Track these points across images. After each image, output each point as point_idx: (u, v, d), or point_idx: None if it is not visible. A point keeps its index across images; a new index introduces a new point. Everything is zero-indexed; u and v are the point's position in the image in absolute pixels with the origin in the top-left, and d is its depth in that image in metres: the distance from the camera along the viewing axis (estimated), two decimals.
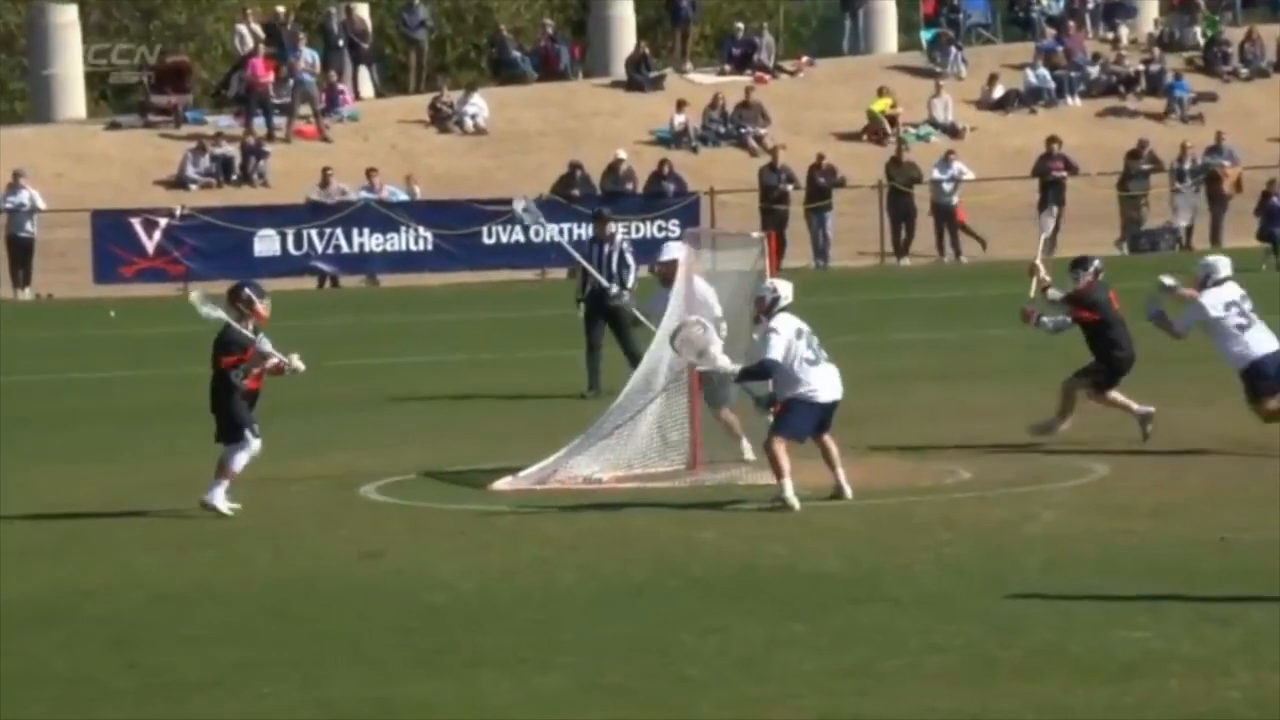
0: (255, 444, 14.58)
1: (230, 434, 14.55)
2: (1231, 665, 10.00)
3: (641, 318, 17.07)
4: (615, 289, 16.83)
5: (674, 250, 16.80)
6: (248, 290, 14.81)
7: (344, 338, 28.81)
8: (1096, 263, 17.76)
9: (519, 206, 17.85)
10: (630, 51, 45.19)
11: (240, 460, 14.55)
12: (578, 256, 20.42)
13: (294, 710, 9.68)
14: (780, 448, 14.39)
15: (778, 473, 14.37)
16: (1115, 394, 17.13)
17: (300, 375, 14.95)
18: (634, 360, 19.35)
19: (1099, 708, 9.38)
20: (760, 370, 14.69)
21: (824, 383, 14.70)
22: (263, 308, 14.74)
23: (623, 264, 20.86)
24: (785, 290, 14.90)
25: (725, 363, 15.05)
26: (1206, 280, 16.87)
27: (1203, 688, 9.62)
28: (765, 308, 14.83)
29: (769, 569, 12.65)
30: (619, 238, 21.55)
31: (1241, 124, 42.66)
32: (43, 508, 15.36)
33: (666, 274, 16.58)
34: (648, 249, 37.41)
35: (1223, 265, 17.16)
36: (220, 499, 14.55)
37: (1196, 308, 16.83)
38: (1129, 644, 10.48)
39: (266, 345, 14.59)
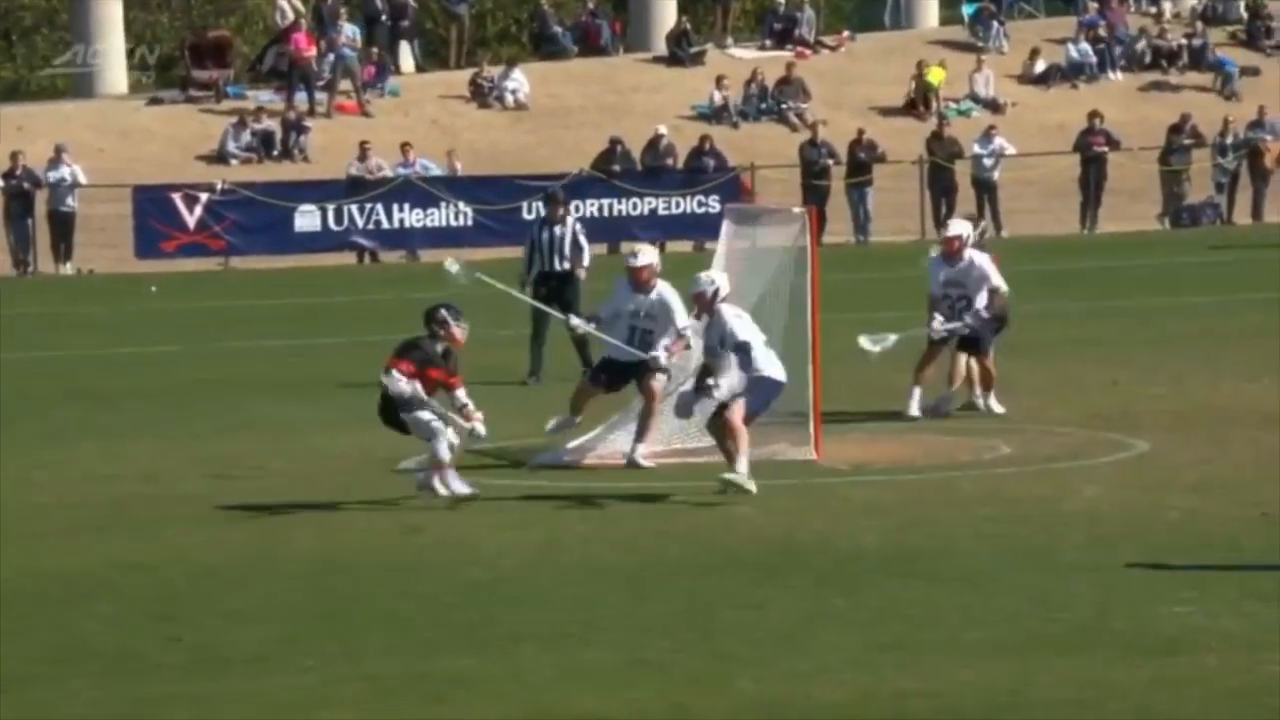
0: (449, 431, 13.73)
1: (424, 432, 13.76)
2: (1273, 640, 9.99)
3: (599, 335, 15.76)
4: (574, 320, 15.58)
5: (649, 255, 15.99)
6: (444, 311, 13.89)
7: (385, 313, 28.84)
8: None
9: (452, 269, 15.33)
10: (671, 26, 45.11)
11: (442, 448, 13.76)
12: (541, 306, 18.96)
13: (337, 684, 9.73)
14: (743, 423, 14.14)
15: (740, 451, 14.01)
16: None
17: (478, 440, 14.06)
18: (582, 349, 19.29)
19: (1140, 683, 9.39)
20: (744, 357, 14.22)
21: (775, 364, 14.40)
22: (459, 331, 13.84)
23: (575, 246, 20.47)
24: (724, 281, 14.65)
25: (733, 382, 14.31)
26: None
27: (1244, 663, 9.62)
28: (707, 302, 14.42)
29: (807, 545, 12.67)
30: (571, 219, 21.14)
31: None
32: (85, 483, 15.44)
33: (643, 279, 15.61)
34: (688, 225, 37.67)
35: None
36: (455, 483, 13.78)
37: None
38: (1170, 619, 10.48)
39: (462, 394, 13.75)
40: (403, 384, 13.77)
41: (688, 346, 15.34)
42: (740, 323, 14.36)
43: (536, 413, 16.93)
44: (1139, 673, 9.54)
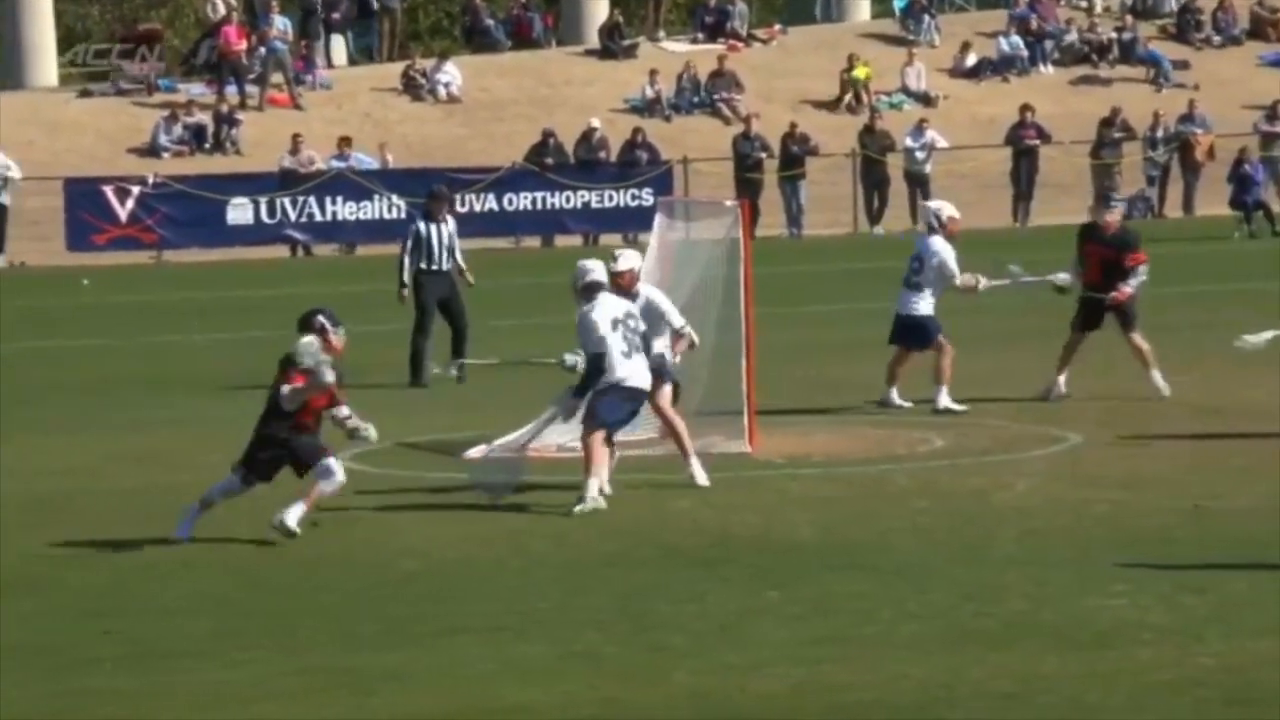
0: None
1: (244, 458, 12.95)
2: (1205, 633, 10.03)
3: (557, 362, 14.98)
4: (569, 359, 14.45)
5: (631, 259, 14.88)
6: (321, 317, 13.27)
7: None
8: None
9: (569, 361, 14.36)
10: (603, 20, 45.11)
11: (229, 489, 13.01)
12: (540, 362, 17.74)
13: (269, 678, 9.68)
14: (595, 440, 13.66)
15: (587, 468, 13.54)
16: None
17: (369, 444, 13.59)
18: (459, 343, 19.06)
19: (1072, 676, 9.41)
20: (593, 366, 13.70)
21: (634, 371, 13.82)
22: (336, 338, 13.19)
23: (454, 247, 20.09)
24: (599, 270, 14.03)
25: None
26: None
27: (1175, 655, 9.66)
28: (579, 290, 13.86)
29: (743, 538, 12.67)
30: (451, 219, 20.50)
31: (1213, 92, 42.71)
32: (10, 479, 15.32)
33: (624, 284, 14.45)
34: (622, 218, 37.68)
35: None
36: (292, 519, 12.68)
37: None
38: (1102, 612, 10.51)
39: (329, 376, 12.91)
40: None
41: (692, 345, 14.93)
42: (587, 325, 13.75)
43: (436, 409, 16.85)
44: (1071, 665, 9.57)
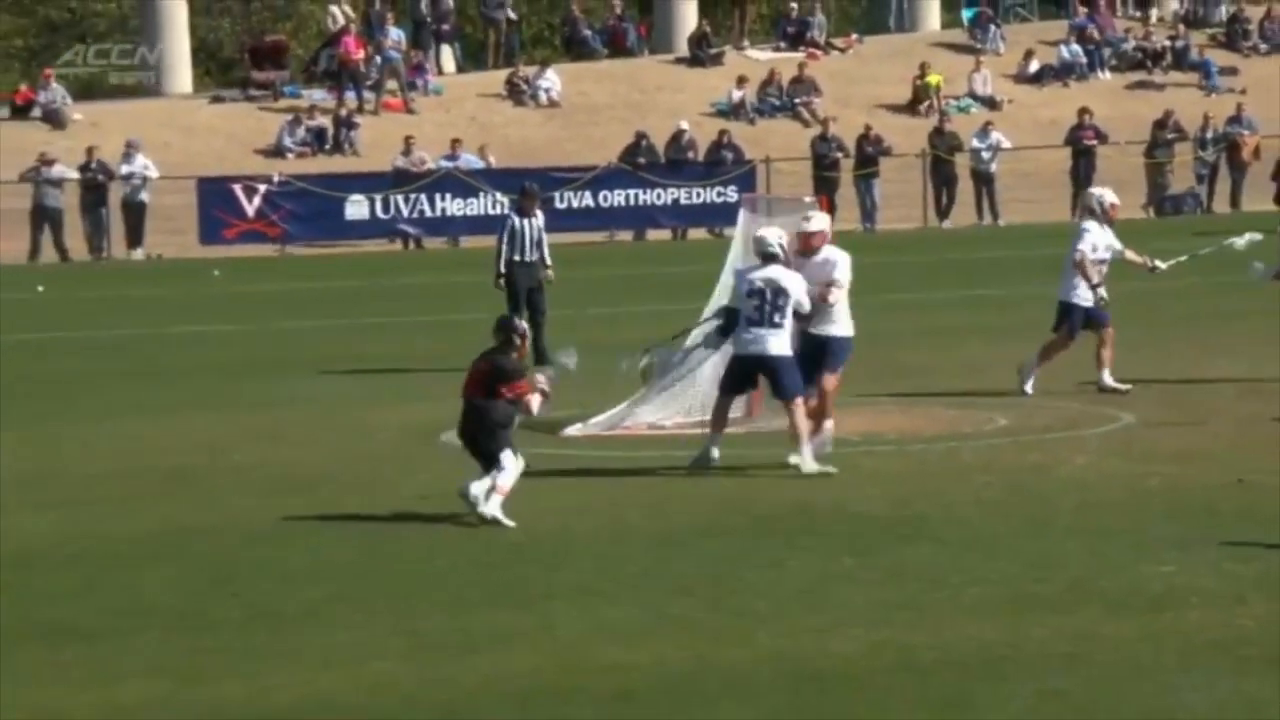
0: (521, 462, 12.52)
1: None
2: (1248, 597, 9.95)
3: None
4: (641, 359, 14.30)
5: (820, 221, 14.53)
6: (521, 323, 13.19)
7: (428, 295, 28.86)
8: None
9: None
10: (692, 30, 45.03)
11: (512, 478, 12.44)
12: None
13: (382, 638, 9.70)
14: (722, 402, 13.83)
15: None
16: None
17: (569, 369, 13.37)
18: (539, 350, 18.99)
19: (1126, 637, 9.35)
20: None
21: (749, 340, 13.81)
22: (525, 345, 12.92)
23: (541, 241, 19.99)
24: (775, 242, 13.97)
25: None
26: None
27: (1222, 618, 9.58)
28: (759, 255, 13.96)
29: (821, 509, 12.63)
30: (540, 214, 20.37)
31: (1260, 96, 42.25)
32: (149, 453, 15.44)
33: (815, 244, 14.27)
34: (708, 213, 37.59)
35: None
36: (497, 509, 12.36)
37: None
38: (1155, 578, 10.44)
39: (542, 380, 12.81)
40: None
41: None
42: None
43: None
44: (1125, 628, 9.50)
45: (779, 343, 13.87)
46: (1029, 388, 16.87)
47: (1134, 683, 8.66)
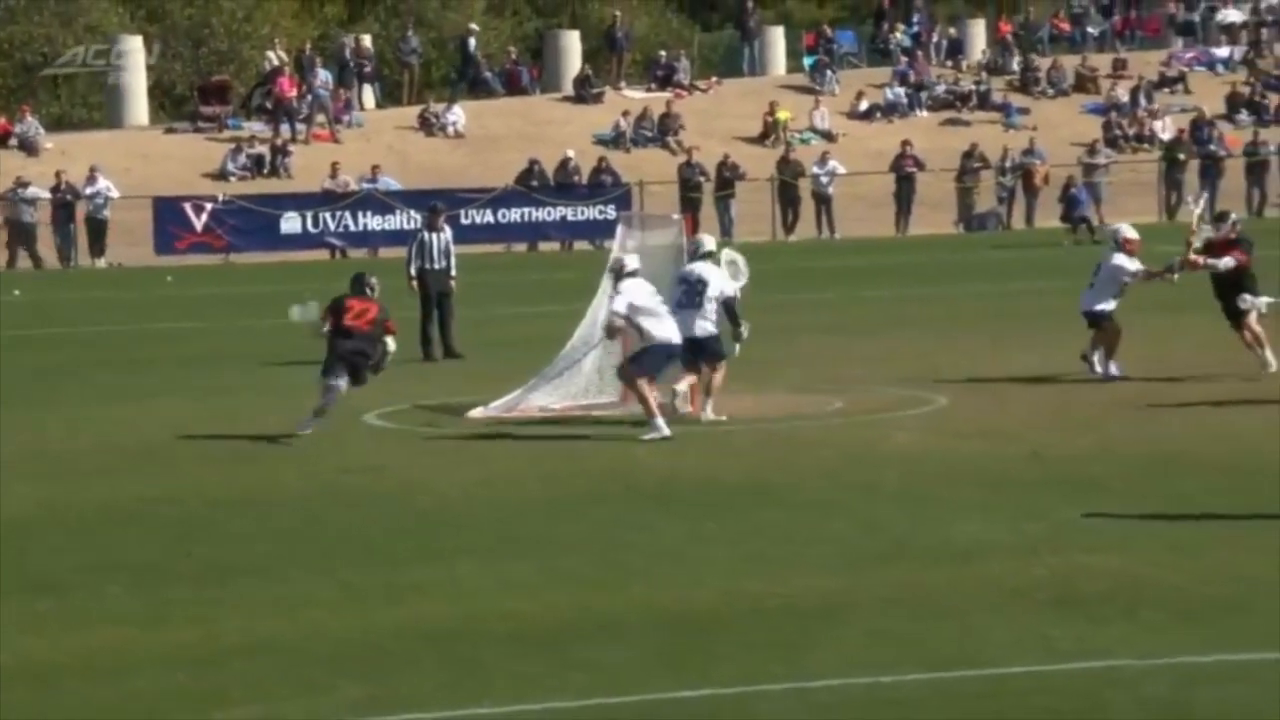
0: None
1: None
2: (1040, 550, 10.10)
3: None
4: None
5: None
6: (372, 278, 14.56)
7: None
8: (1234, 216, 17.08)
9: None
10: (577, 72, 45.02)
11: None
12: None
13: (318, 590, 9.68)
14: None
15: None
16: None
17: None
18: (447, 346, 19.28)
19: (941, 586, 9.47)
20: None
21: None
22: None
23: (448, 252, 19.97)
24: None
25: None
26: None
27: (1019, 568, 9.72)
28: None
29: (688, 479, 12.69)
30: (447, 229, 20.42)
31: (1049, 132, 42.77)
32: (120, 432, 15.28)
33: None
34: (591, 229, 37.52)
35: None
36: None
37: None
38: (964, 536, 10.57)
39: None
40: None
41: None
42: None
43: (446, 378, 16.80)
44: (940, 577, 9.62)
45: (702, 324, 14.84)
46: (1115, 370, 16.52)
47: (948, 623, 8.77)
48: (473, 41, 45.48)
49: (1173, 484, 11.90)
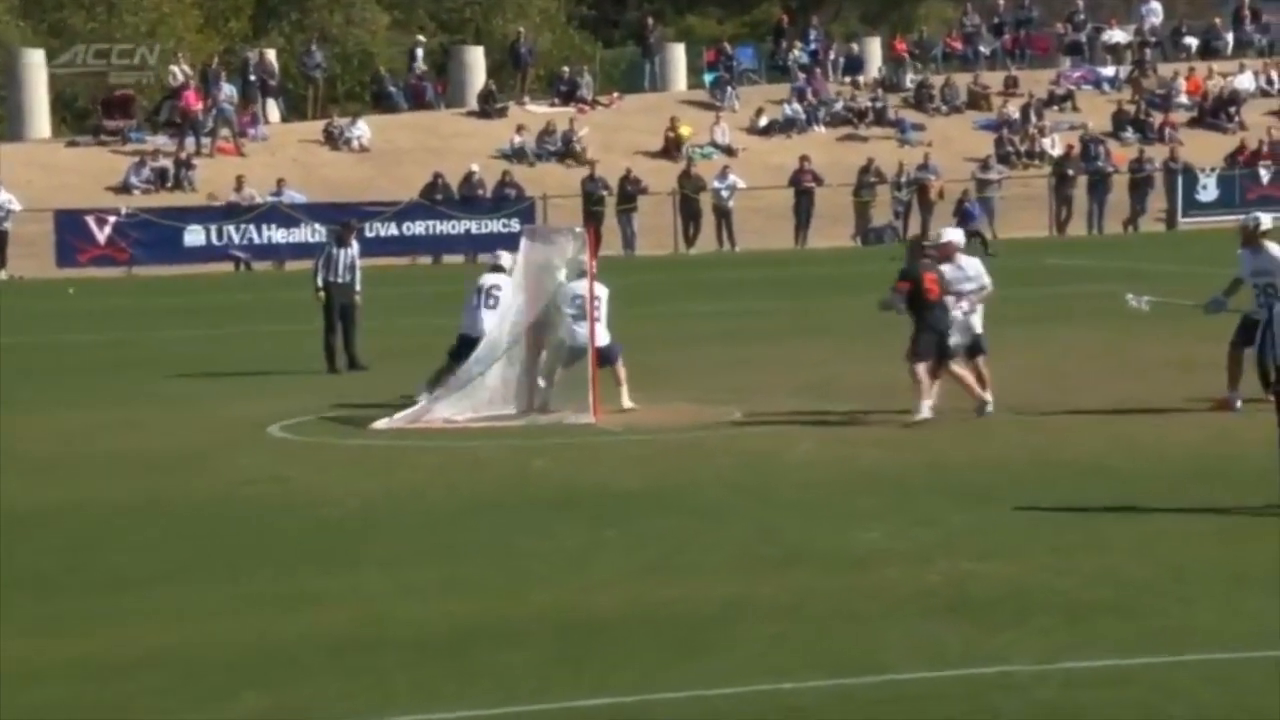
0: None
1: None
2: (934, 557, 10.17)
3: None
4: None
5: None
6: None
7: (257, 310, 28.42)
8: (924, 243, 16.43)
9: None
10: (481, 88, 44.92)
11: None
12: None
13: (220, 600, 9.57)
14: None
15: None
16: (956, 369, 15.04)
17: None
18: (351, 357, 19.35)
19: (839, 591, 9.50)
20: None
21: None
22: None
23: (354, 266, 19.94)
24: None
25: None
26: (1256, 229, 14.73)
27: (914, 574, 9.78)
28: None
29: (588, 488, 12.67)
30: (355, 244, 20.41)
31: (943, 147, 43.19)
32: (24, 440, 15.03)
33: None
34: (495, 241, 37.32)
35: (1268, 218, 15.25)
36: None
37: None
38: (860, 542, 10.62)
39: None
40: None
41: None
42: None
43: (350, 390, 16.72)
44: (836, 583, 9.65)
45: (600, 331, 15.57)
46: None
47: (844, 628, 8.81)
48: (377, 56, 45.22)
49: (1062, 491, 12.02)
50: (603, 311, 15.79)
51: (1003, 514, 11.32)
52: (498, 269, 16.73)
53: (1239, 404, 14.73)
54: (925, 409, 14.57)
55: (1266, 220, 15.52)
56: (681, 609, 9.20)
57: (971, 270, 15.38)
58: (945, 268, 15.26)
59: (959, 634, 8.62)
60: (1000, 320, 23.09)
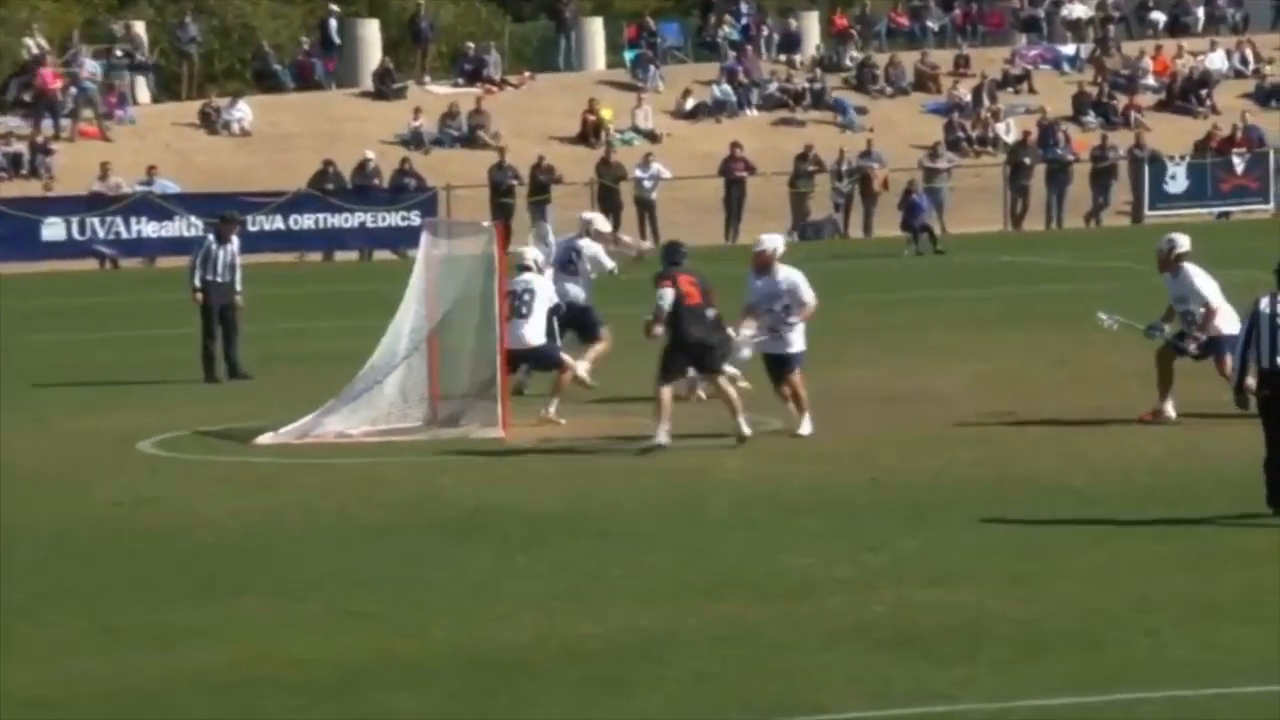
0: None
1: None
2: (878, 584, 10.21)
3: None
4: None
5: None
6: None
7: (127, 313, 28.17)
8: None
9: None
10: (376, 66, 44.74)
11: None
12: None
13: (80, 636, 9.46)
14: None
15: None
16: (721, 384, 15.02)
17: None
18: (231, 365, 19.28)
19: (773, 622, 9.52)
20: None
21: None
22: None
23: (234, 265, 19.86)
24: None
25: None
26: (1170, 254, 15.10)
27: (856, 604, 9.81)
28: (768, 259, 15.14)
29: (496, 509, 12.64)
30: (236, 240, 20.32)
31: (887, 133, 43.46)
32: None
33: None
34: (393, 236, 37.35)
35: (1184, 240, 15.42)
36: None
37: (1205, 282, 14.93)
38: (796, 569, 10.65)
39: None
40: None
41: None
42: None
43: (231, 401, 16.61)
44: (771, 613, 9.67)
45: (532, 332, 15.80)
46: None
47: (779, 663, 8.82)
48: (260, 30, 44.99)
49: (1018, 511, 12.10)
50: (538, 308, 15.85)
51: (953, 537, 11.38)
52: (524, 269, 16.18)
53: (1172, 413, 15.03)
54: (663, 434, 14.24)
55: (1183, 242, 15.63)
56: (599, 643, 9.18)
57: (786, 284, 15.11)
58: (759, 282, 15.12)
59: (906, 669, 8.66)
60: (950, 324, 23.37)
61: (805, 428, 15.08)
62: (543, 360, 16.19)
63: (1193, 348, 15.17)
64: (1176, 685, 8.30)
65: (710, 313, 14.71)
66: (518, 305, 15.81)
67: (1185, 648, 8.90)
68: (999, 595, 9.91)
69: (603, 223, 18.98)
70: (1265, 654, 8.72)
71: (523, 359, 15.96)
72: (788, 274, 15.28)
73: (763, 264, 15.20)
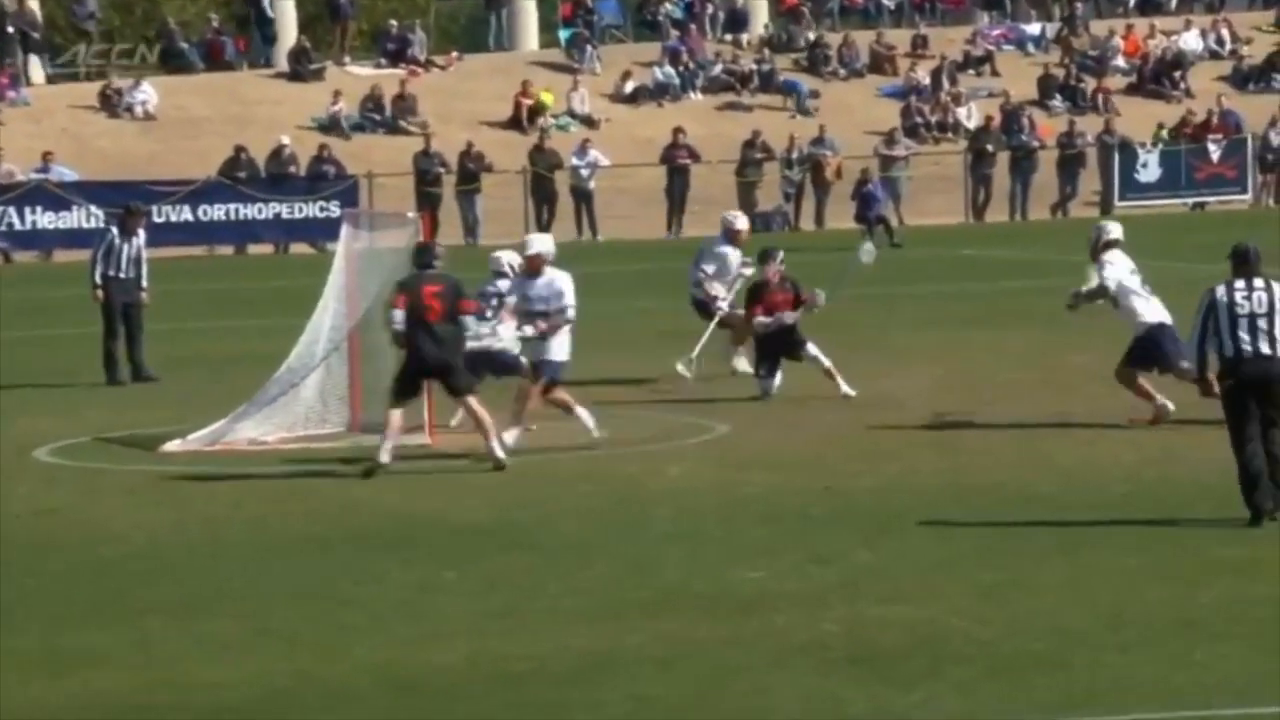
0: None
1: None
2: (830, 600, 10.24)
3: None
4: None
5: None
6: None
7: (21, 310, 27.98)
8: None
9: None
10: (292, 45, 44.60)
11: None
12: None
13: None
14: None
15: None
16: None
17: None
18: (136, 366, 19.22)
19: (719, 641, 9.55)
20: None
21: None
22: None
23: (140, 259, 19.77)
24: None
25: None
26: (1098, 242, 15.65)
27: (807, 620, 9.85)
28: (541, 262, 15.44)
29: (423, 521, 12.63)
30: (142, 233, 20.16)
31: (840, 118, 43.60)
32: None
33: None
34: (311, 228, 37.25)
35: (1114, 228, 15.94)
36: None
37: (1111, 267, 15.48)
38: (745, 583, 10.68)
39: None
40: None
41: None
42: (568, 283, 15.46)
43: (136, 406, 16.53)
44: (717, 631, 9.70)
45: (493, 336, 15.60)
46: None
47: (726, 684, 8.85)
48: (164, 5, 44.67)
49: (982, 520, 12.17)
50: (505, 315, 15.70)
51: (913, 548, 11.43)
52: (500, 275, 16.06)
53: (1169, 406, 15.27)
54: (386, 452, 13.98)
55: (1112, 229, 15.94)
56: (531, 665, 9.19)
57: (553, 289, 15.41)
58: (539, 282, 15.39)
59: (862, 691, 8.69)
60: (909, 323, 23.48)
61: (505, 440, 14.58)
62: (500, 366, 15.93)
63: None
64: (1149, 707, 8.36)
65: (456, 328, 14.37)
66: (483, 308, 15.68)
67: (1159, 666, 8.96)
68: (961, 611, 9.96)
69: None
70: (1244, 673, 8.79)
71: (481, 363, 15.42)
72: (556, 278, 15.52)
73: (534, 267, 15.59)
